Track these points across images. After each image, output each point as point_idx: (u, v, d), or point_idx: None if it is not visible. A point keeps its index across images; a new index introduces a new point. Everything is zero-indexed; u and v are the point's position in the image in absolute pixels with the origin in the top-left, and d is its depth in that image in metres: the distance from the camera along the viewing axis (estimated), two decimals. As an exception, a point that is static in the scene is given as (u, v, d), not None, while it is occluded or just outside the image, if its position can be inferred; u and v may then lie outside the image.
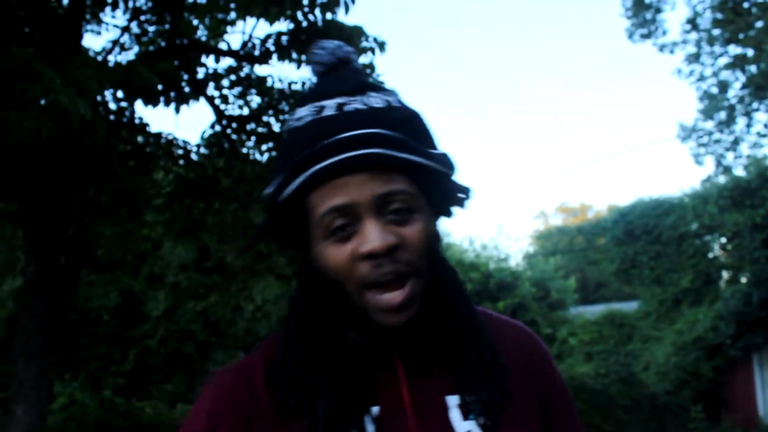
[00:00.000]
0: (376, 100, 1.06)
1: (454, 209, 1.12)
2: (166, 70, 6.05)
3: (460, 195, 1.11)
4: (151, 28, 7.66)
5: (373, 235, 0.99)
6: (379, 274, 1.00)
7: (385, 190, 1.00)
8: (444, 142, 1.14)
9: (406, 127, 1.05)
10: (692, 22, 20.38)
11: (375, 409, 1.05)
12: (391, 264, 1.00)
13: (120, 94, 6.56)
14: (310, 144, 1.02)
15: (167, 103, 6.94)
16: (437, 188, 1.06)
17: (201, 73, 7.57)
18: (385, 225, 1.00)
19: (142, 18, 7.41)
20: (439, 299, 1.10)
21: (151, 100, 6.09)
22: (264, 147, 8.09)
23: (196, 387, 19.36)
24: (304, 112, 1.07)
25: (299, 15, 6.72)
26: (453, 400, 1.07)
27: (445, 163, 1.07)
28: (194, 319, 19.36)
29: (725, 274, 17.71)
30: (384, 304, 1.00)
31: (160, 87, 6.35)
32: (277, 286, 19.71)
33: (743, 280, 16.63)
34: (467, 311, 1.13)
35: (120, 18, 11.28)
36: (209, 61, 7.57)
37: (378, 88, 1.09)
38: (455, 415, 1.06)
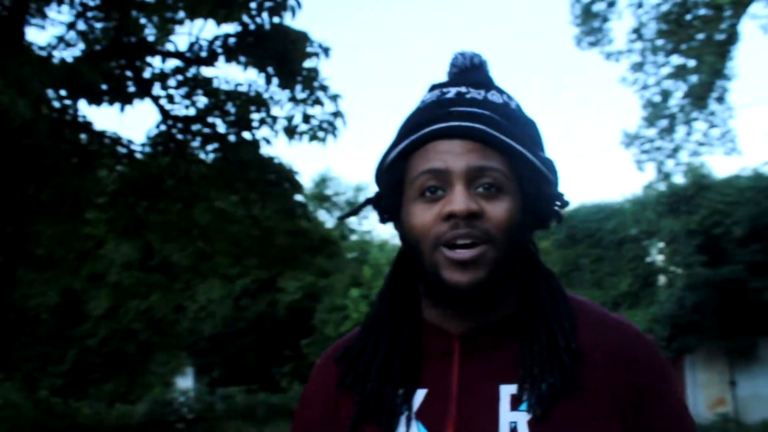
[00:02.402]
0: (495, 97, 1.13)
1: (551, 220, 1.17)
2: (111, 69, 6.02)
3: (558, 203, 1.16)
4: (98, 25, 7.59)
5: (458, 199, 1.04)
6: (455, 233, 1.05)
7: (479, 163, 1.06)
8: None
9: (515, 123, 1.11)
10: (637, 32, 20.83)
11: (421, 393, 1.10)
12: (467, 227, 1.05)
13: (64, 92, 6.49)
14: (424, 115, 1.12)
15: (112, 103, 6.90)
16: (532, 182, 1.10)
17: (147, 73, 7.53)
18: (472, 195, 1.06)
19: (89, 15, 7.34)
20: (517, 280, 1.13)
21: (96, 100, 6.06)
22: (210, 147, 8.10)
23: (137, 387, 19.11)
24: (428, 96, 1.16)
25: (246, 18, 6.76)
26: (507, 389, 1.07)
27: (546, 165, 1.12)
28: (137, 318, 19.08)
29: (662, 278, 18.23)
30: (453, 257, 1.05)
31: (105, 86, 6.31)
32: (221, 287, 19.60)
33: (678, 284, 17.15)
34: (551, 297, 1.14)
35: (66, 14, 11.10)
36: (155, 61, 7.55)
37: (502, 91, 1.16)
38: (504, 405, 1.06)
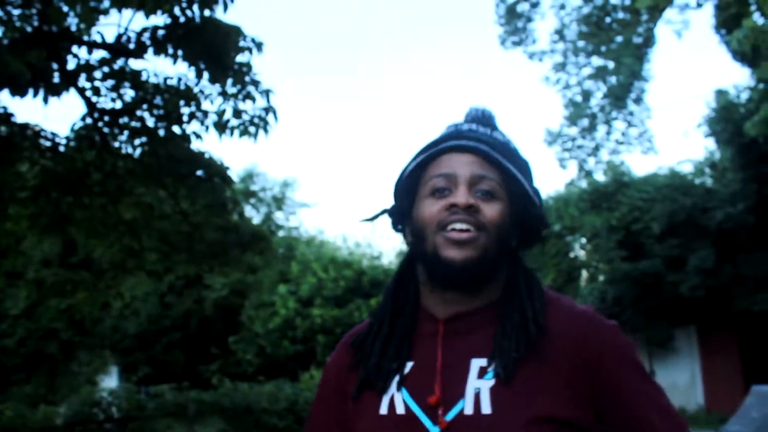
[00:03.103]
0: (498, 135, 1.42)
1: (535, 239, 1.44)
2: (34, 59, 5.84)
3: (540, 225, 1.42)
4: (16, 12, 7.32)
5: (460, 194, 1.33)
6: (454, 218, 1.32)
7: (480, 172, 1.35)
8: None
9: (512, 155, 1.40)
10: (560, 33, 21.33)
11: (409, 365, 1.36)
12: (465, 215, 1.31)
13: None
14: (441, 138, 1.42)
15: (35, 94, 6.69)
16: (520, 199, 1.38)
17: (72, 63, 7.32)
18: (472, 195, 1.34)
19: (9, 1, 7.08)
20: (502, 274, 1.38)
21: (19, 91, 5.87)
22: (137, 141, 7.93)
23: (58, 388, 18.56)
24: (446, 129, 1.46)
25: (177, 10, 6.65)
26: (477, 362, 1.30)
27: (533, 191, 1.40)
28: (57, 317, 18.51)
29: (584, 273, 18.77)
30: (452, 236, 1.31)
31: (28, 77, 6.10)
32: (148, 283, 19.17)
33: (600, 278, 17.69)
34: (528, 287, 1.37)
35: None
36: (81, 52, 7.34)
37: (504, 135, 1.44)
38: (473, 374, 1.29)
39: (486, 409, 1.24)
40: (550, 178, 58.39)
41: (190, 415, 10.37)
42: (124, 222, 8.25)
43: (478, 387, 1.27)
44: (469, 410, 1.25)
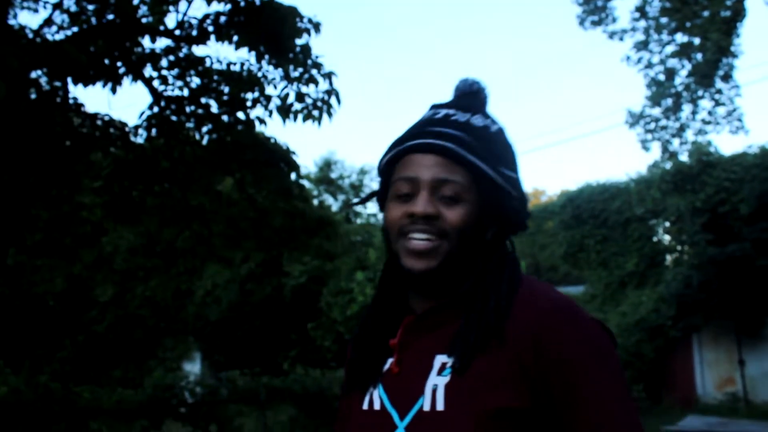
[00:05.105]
0: (477, 120, 1.36)
1: (515, 227, 1.38)
2: (98, 48, 5.94)
3: (519, 216, 1.36)
4: (90, 6, 7.48)
5: (419, 202, 1.29)
6: (413, 227, 1.29)
7: (443, 176, 1.30)
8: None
9: (487, 143, 1.33)
10: (641, 10, 20.61)
11: (389, 362, 1.35)
12: (425, 225, 1.28)
13: (50, 73, 6.41)
14: (412, 130, 1.36)
15: (104, 84, 6.83)
16: (490, 194, 1.32)
17: (137, 53, 7.44)
18: (433, 200, 1.29)
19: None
20: (474, 267, 1.32)
21: (83, 79, 5.97)
22: (203, 129, 8.01)
23: (145, 373, 19.18)
24: (425, 114, 1.41)
25: (236, -5, 6.65)
26: (440, 359, 1.28)
27: (510, 182, 1.34)
28: (143, 304, 19.13)
29: (668, 257, 18.09)
30: (410, 246, 1.29)
31: (93, 67, 6.22)
32: (227, 272, 19.58)
33: (685, 263, 17.00)
34: (496, 277, 1.31)
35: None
36: (145, 41, 7.45)
37: (488, 116, 1.38)
38: (434, 371, 1.27)
39: (440, 405, 1.23)
40: (632, 160, 56.73)
41: (261, 400, 10.50)
42: (193, 209, 8.36)
43: (436, 383, 1.26)
44: (427, 407, 1.25)
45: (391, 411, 1.29)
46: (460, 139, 1.30)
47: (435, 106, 1.41)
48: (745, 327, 16.55)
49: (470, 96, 1.41)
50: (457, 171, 1.30)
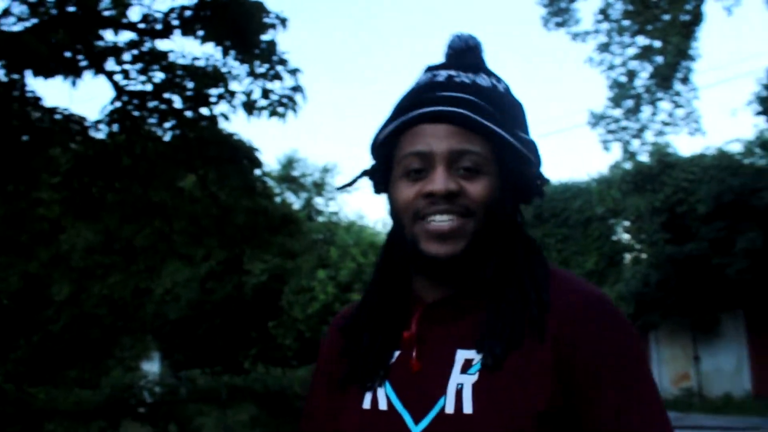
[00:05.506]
0: (483, 81, 1.20)
1: (533, 196, 1.24)
2: (59, 41, 5.79)
3: (538, 182, 1.23)
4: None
5: (438, 179, 1.12)
6: (433, 209, 1.13)
7: (460, 147, 1.14)
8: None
9: (500, 106, 1.17)
10: (604, 13, 20.87)
11: (396, 354, 1.20)
12: (446, 204, 1.12)
13: (8, 65, 6.23)
14: (414, 98, 1.20)
15: (65, 77, 6.66)
16: (514, 163, 1.17)
17: (99, 46, 7.28)
18: (452, 175, 1.14)
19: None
20: (497, 249, 1.18)
21: (42, 72, 5.82)
22: (166, 125, 7.87)
23: (102, 373, 18.86)
24: (421, 78, 1.24)
25: (201, -11, 6.55)
26: (463, 354, 1.13)
27: (528, 147, 1.19)
28: (100, 303, 18.77)
29: (627, 256, 18.36)
30: (431, 228, 1.13)
31: (53, 59, 6.07)
32: (184, 268, 19.32)
33: (644, 262, 17.28)
34: (527, 260, 1.18)
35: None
36: (108, 34, 7.29)
37: (492, 74, 1.23)
38: (456, 368, 1.13)
39: (467, 407, 1.09)
40: (594, 160, 57.52)
41: (222, 399, 10.39)
42: (155, 206, 8.22)
43: (461, 383, 1.11)
44: (450, 409, 1.10)
45: (402, 412, 1.14)
46: (474, 104, 1.15)
47: (432, 68, 1.24)
48: (700, 324, 16.89)
49: (467, 53, 1.25)
50: (474, 140, 1.14)
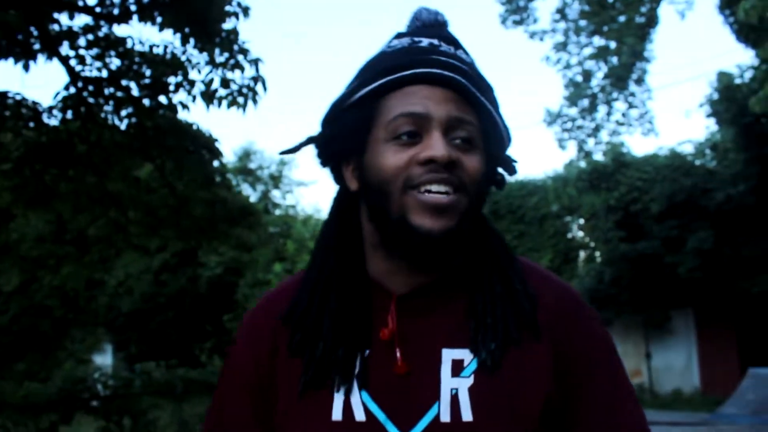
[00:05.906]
0: (463, 55, 1.10)
1: (501, 182, 1.16)
2: (10, 21, 5.62)
3: (513, 164, 1.15)
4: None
5: (439, 145, 1.01)
6: (432, 177, 1.01)
7: (460, 114, 1.04)
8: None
9: (482, 83, 1.10)
10: (561, 12, 21.09)
11: (366, 354, 1.06)
12: (446, 174, 1.01)
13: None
14: (403, 57, 1.07)
15: (11, 58, 6.48)
16: (496, 142, 1.10)
17: (54, 29, 7.09)
18: (450, 143, 1.03)
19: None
20: (476, 235, 1.10)
21: (-7, 54, 5.64)
22: (123, 112, 7.71)
23: (51, 365, 18.48)
24: (399, 43, 1.11)
25: (161, -26, 6.42)
26: (450, 354, 1.03)
27: (506, 128, 1.12)
28: (51, 294, 18.39)
29: (582, 254, 18.62)
30: (428, 199, 1.01)
31: (3, 41, 5.89)
32: (141, 262, 19.06)
33: (598, 259, 17.53)
34: (504, 249, 1.12)
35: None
36: (63, 17, 7.11)
37: (467, 52, 1.13)
38: (446, 370, 1.03)
39: (467, 415, 0.99)
40: (549, 158, 58.23)
41: (177, 393, 10.27)
42: (110, 195, 8.06)
43: (455, 387, 1.01)
44: (445, 417, 1.00)
45: (385, 423, 1.01)
46: (467, 74, 1.06)
47: (405, 34, 1.13)
48: (652, 321, 17.21)
49: (439, 27, 1.14)
50: (468, 111, 1.05)
